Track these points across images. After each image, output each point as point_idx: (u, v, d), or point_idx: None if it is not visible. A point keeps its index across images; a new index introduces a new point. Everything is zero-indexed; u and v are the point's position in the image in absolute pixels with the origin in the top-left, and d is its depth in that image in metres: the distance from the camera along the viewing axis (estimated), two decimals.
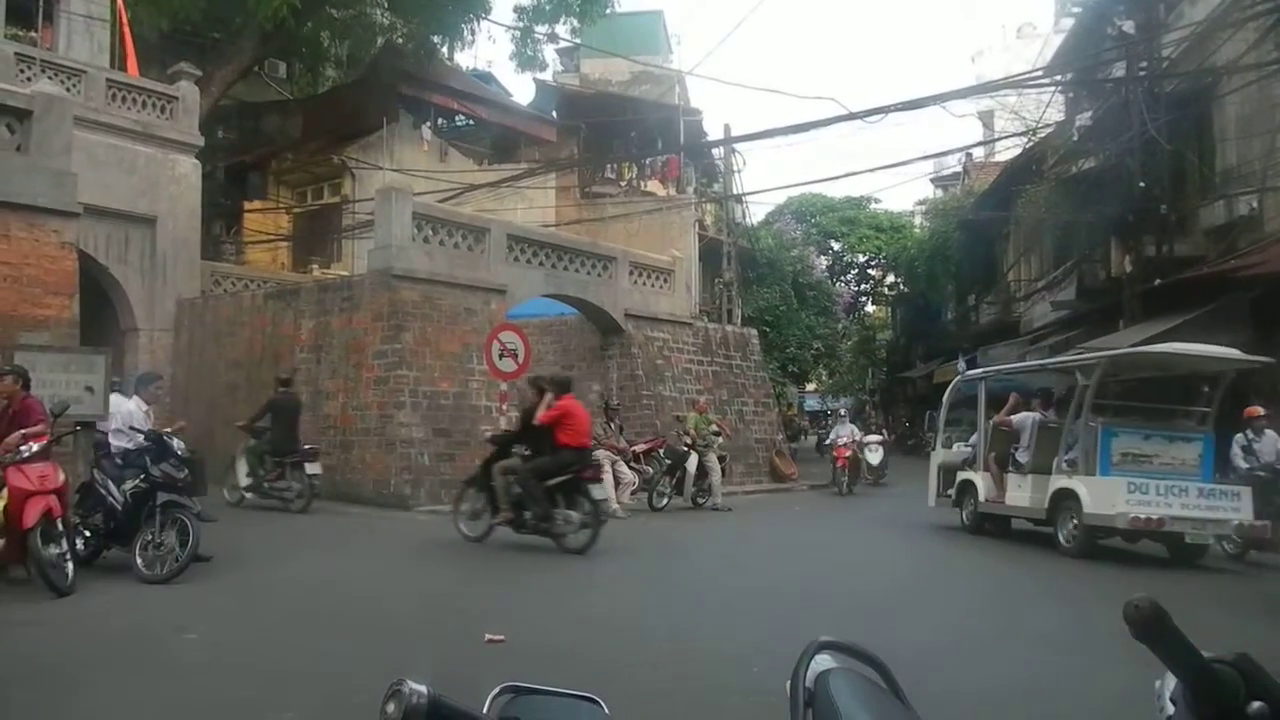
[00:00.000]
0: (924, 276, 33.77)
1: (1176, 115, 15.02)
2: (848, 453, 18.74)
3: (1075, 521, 10.38)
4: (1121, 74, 16.29)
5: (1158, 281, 15.29)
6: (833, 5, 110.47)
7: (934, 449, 14.78)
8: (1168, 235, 15.70)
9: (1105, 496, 10.03)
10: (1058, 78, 19.38)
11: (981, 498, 12.42)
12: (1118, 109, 16.33)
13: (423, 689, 1.01)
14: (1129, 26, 16.19)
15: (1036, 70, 19.27)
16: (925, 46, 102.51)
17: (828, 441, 20.19)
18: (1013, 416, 12.30)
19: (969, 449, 13.56)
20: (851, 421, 21.71)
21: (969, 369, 17.88)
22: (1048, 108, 20.69)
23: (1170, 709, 1.18)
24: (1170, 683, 1.18)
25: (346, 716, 4.26)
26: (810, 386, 49.50)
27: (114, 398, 10.03)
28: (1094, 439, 10.51)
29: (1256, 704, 1.07)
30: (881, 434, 24.04)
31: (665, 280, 19.49)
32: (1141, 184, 15.50)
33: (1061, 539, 10.63)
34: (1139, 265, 15.80)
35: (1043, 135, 21.10)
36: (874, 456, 20.48)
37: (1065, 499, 10.59)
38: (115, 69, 17.43)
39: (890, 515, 15.06)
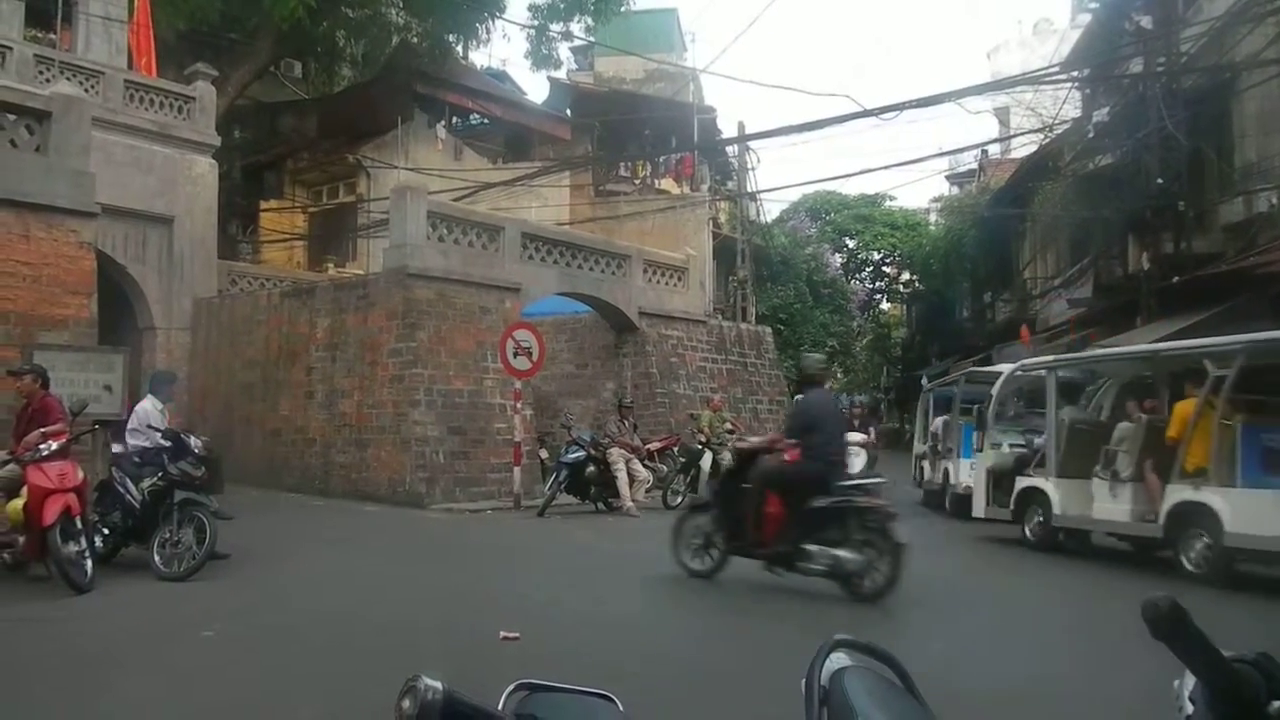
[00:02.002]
0: (939, 274, 33.60)
1: (1195, 111, 14.89)
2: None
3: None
4: (1139, 69, 16.16)
5: (1175, 279, 15.16)
6: (847, 2, 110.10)
7: (958, 453, 13.95)
8: (1186, 232, 15.57)
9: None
10: (1074, 74, 19.24)
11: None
12: (1135, 105, 16.20)
13: (438, 685, 1.01)
14: (1147, 21, 16.07)
15: (1053, 66, 19.13)
16: (941, 43, 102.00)
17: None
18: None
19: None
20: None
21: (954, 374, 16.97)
22: (1064, 104, 20.54)
23: (1189, 709, 1.17)
24: (1189, 682, 1.17)
25: (362, 713, 4.27)
26: (826, 385, 49.34)
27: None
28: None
29: (1277, 704, 1.06)
30: (867, 432, 17.18)
31: (679, 278, 19.47)
32: (1159, 180, 15.37)
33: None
34: (1156, 262, 15.67)
35: (1059, 132, 20.95)
36: (854, 465, 12.42)
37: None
38: (129, 69, 17.54)
39: (923, 528, 12.06)
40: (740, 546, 7.74)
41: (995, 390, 12.24)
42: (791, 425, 8.08)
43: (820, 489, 7.38)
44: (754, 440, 8.83)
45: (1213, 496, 8.33)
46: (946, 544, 11.36)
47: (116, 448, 8.85)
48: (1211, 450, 8.50)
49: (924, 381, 22.70)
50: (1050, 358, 12.91)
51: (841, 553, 7.13)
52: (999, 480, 11.51)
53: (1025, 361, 13.18)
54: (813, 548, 7.25)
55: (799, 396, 8.96)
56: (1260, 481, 8.14)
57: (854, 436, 13.09)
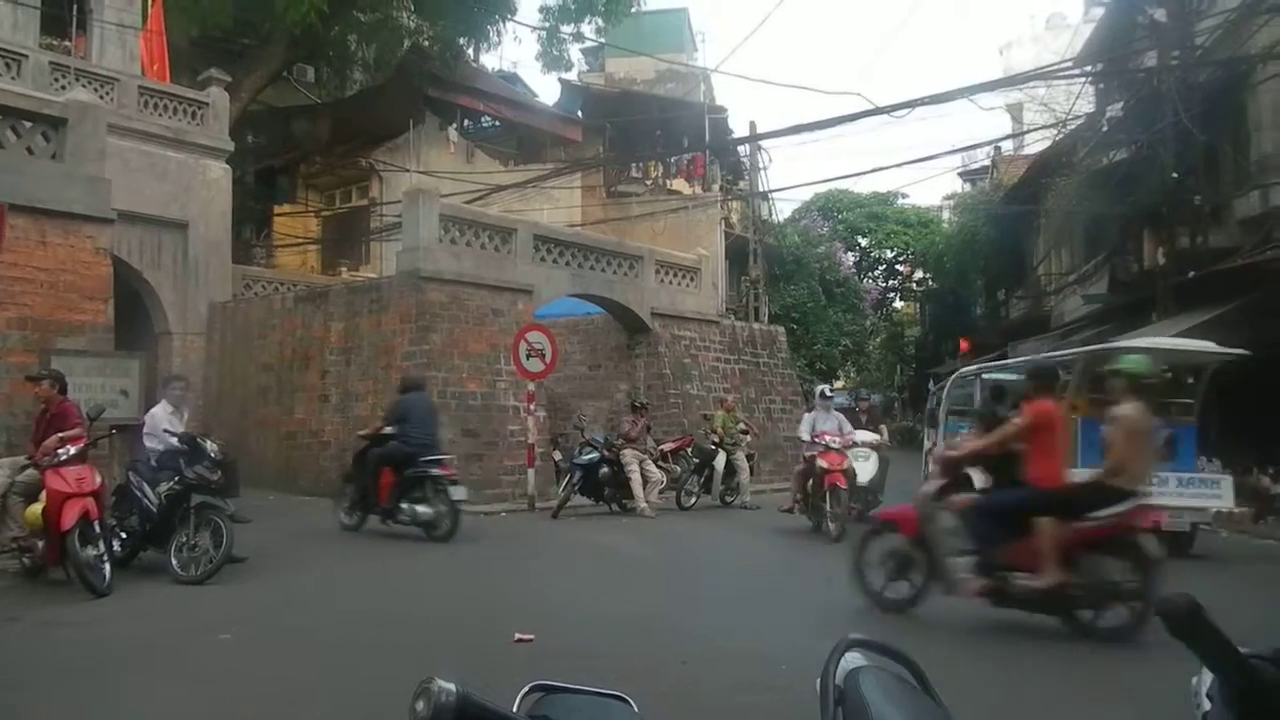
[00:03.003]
0: (953, 272, 33.48)
1: (1210, 105, 14.77)
2: (842, 464, 11.49)
3: None
4: (1153, 63, 16.05)
5: (1191, 274, 15.05)
6: (858, 0, 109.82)
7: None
8: (1201, 226, 15.45)
9: None
10: (1088, 68, 19.14)
11: None
12: (1149, 99, 16.09)
13: (451, 687, 1.02)
14: (1160, 15, 15.94)
15: (1066, 61, 19.06)
16: (953, 39, 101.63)
17: (805, 439, 12.04)
18: None
19: None
20: (845, 409, 14.21)
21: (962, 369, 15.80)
22: (1078, 99, 20.43)
23: (1207, 705, 1.16)
24: (1207, 679, 1.17)
25: (378, 715, 4.29)
26: (838, 384, 49.25)
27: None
28: (1074, 432, 9.75)
29: None
30: (878, 432, 14.03)
31: (692, 279, 19.46)
32: (1174, 175, 15.25)
33: None
34: (1172, 257, 15.55)
35: (1073, 127, 20.83)
36: (864, 471, 12.42)
37: None
38: (142, 75, 17.66)
39: None
40: (368, 506, 10.60)
41: (944, 394, 13.71)
42: (388, 417, 10.87)
43: (409, 463, 10.23)
44: (368, 430, 11.27)
45: None
46: None
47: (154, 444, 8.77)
48: (1070, 438, 9.42)
49: (930, 385, 22.73)
50: (976, 366, 15.17)
51: (420, 509, 10.17)
52: None
53: (963, 369, 14.80)
54: (404, 506, 10.22)
55: (400, 396, 11.18)
56: (1096, 464, 8.52)
57: (863, 435, 12.94)
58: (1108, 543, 6.22)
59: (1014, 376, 12.85)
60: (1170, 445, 10.25)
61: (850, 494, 11.49)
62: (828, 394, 13.16)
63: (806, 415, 13.04)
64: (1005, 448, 6.62)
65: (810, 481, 11.68)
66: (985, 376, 13.80)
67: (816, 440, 11.78)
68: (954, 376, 14.06)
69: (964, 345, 23.22)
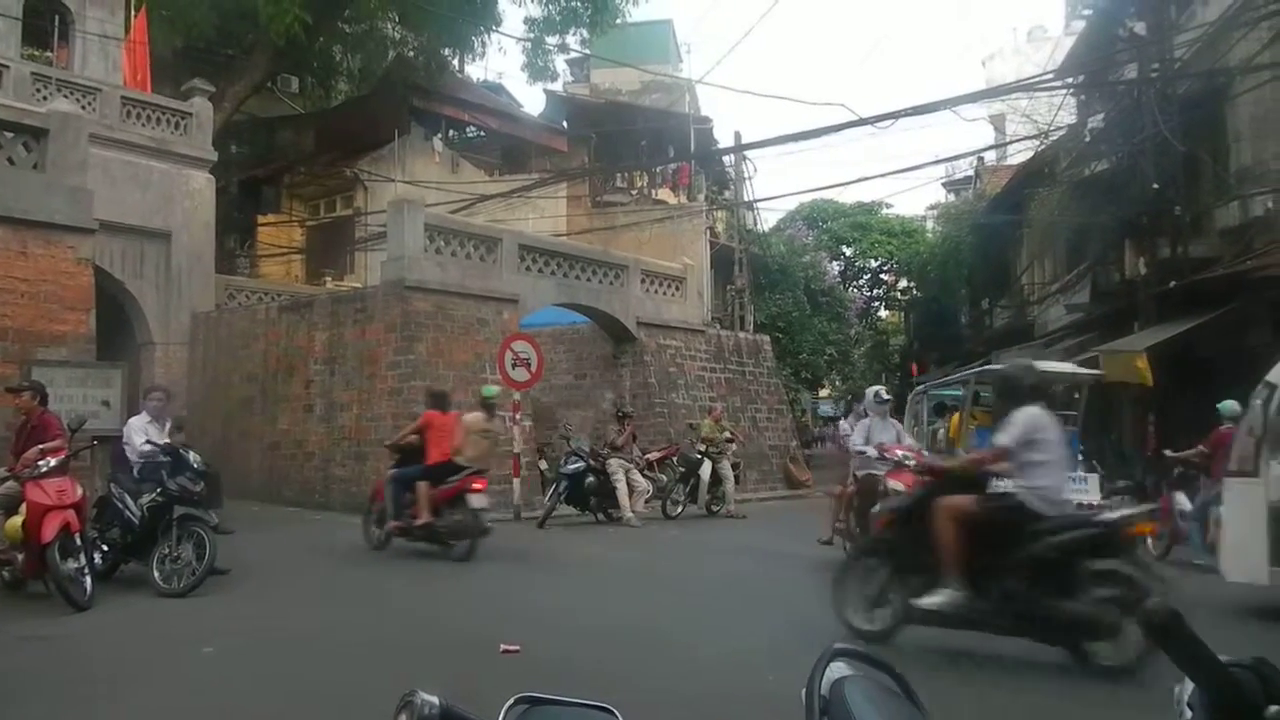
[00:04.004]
0: (937, 281, 33.61)
1: (1190, 116, 14.92)
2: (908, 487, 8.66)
3: None
4: (1133, 75, 16.20)
5: (1173, 283, 15.17)
6: (842, 12, 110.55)
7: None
8: (1182, 237, 15.57)
9: None
10: (1069, 80, 19.29)
11: None
12: (1130, 111, 16.23)
13: (434, 700, 1.01)
14: (1140, 28, 16.11)
15: (1048, 73, 19.20)
16: (936, 51, 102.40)
17: (859, 448, 10.05)
18: None
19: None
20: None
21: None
22: (1059, 111, 20.59)
23: (1188, 714, 1.17)
24: (1188, 688, 1.17)
25: None
26: (824, 392, 49.34)
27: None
28: (969, 440, 11.61)
29: (1274, 708, 1.06)
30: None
31: (677, 288, 19.50)
32: (1155, 185, 15.39)
33: None
34: (1153, 267, 15.68)
35: (1055, 138, 21.00)
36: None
37: None
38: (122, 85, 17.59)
39: None
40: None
41: (907, 407, 14.54)
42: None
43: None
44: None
45: None
46: None
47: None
48: (966, 447, 11.06)
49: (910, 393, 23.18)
50: (924, 385, 16.30)
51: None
52: None
53: (921, 388, 15.91)
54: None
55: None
56: None
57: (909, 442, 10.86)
58: (454, 497, 9.86)
59: (958, 392, 14.78)
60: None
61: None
62: (884, 397, 10.52)
63: (857, 423, 10.95)
64: (408, 440, 10.60)
65: (873, 509, 8.70)
66: (930, 393, 15.63)
67: (886, 455, 9.24)
68: (911, 394, 15.76)
69: (914, 370, 25.49)
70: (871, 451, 9.43)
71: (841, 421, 11.75)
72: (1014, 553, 5.62)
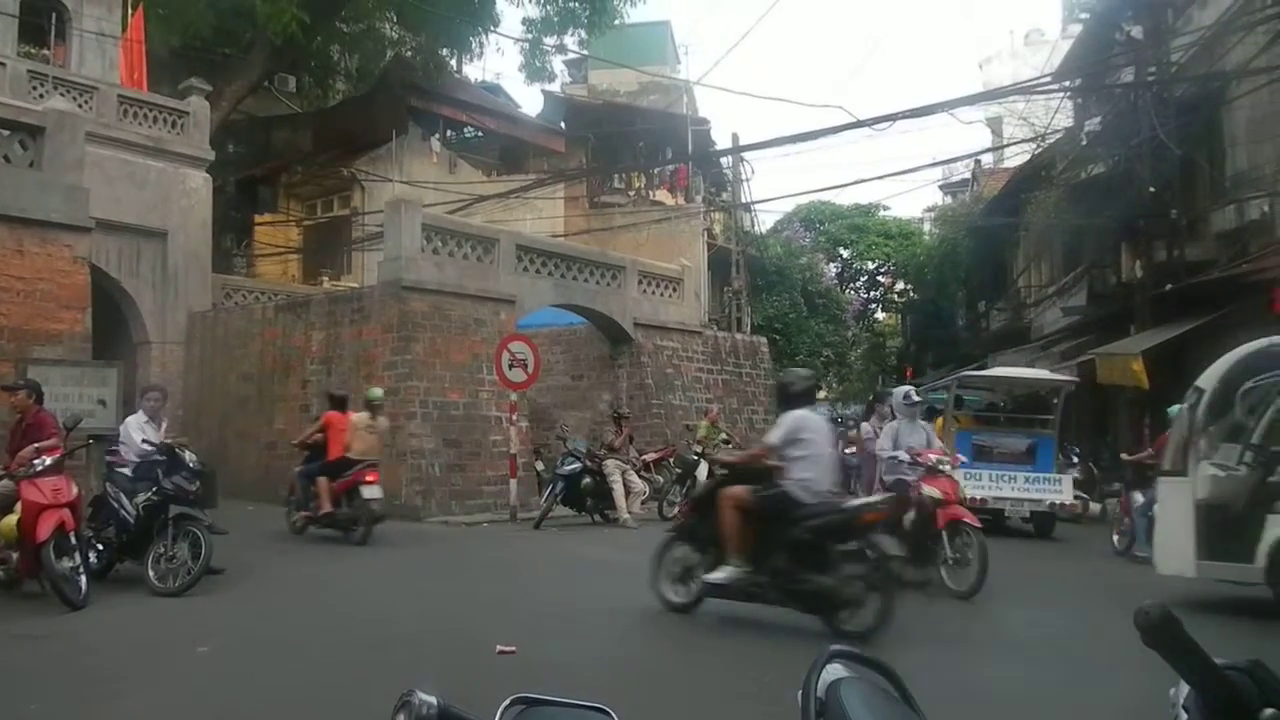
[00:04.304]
0: (934, 283, 33.68)
1: (1186, 119, 14.95)
2: (959, 493, 8.95)
3: None
4: (1130, 79, 16.24)
5: (1169, 286, 15.21)
6: (839, 14, 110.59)
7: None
8: (1178, 240, 15.62)
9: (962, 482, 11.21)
10: (1066, 83, 19.33)
11: None
12: (1126, 114, 16.27)
13: (432, 700, 1.01)
14: (1137, 31, 16.14)
15: (1045, 76, 19.23)
16: (933, 54, 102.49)
17: (889, 453, 9.15)
18: None
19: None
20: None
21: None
22: (1056, 114, 20.63)
23: (1183, 717, 1.17)
24: (1183, 690, 1.18)
25: None
26: (820, 394, 49.32)
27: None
28: (953, 440, 12.72)
29: (1269, 711, 1.06)
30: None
31: (674, 289, 19.50)
32: (1151, 189, 15.43)
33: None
34: (1150, 270, 15.71)
35: (1051, 141, 21.04)
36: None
37: None
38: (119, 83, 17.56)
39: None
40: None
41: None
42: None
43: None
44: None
45: None
46: None
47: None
48: (950, 446, 11.29)
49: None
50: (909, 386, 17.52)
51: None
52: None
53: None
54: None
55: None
56: (967, 465, 12.11)
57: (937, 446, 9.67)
58: (353, 486, 10.96)
59: (943, 395, 15.39)
60: (1031, 452, 13.62)
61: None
62: (914, 398, 9.55)
63: (885, 426, 10.05)
64: (314, 439, 11.79)
65: (905, 517, 8.52)
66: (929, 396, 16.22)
67: (918, 460, 8.74)
68: (870, 397, 16.79)
69: (908, 374, 26.74)
70: (904, 456, 8.90)
71: (863, 424, 11.53)
72: (780, 536, 6.49)
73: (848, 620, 6.24)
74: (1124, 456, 12.59)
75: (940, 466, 8.60)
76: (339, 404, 11.95)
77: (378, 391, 12.17)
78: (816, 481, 6.63)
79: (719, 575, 6.65)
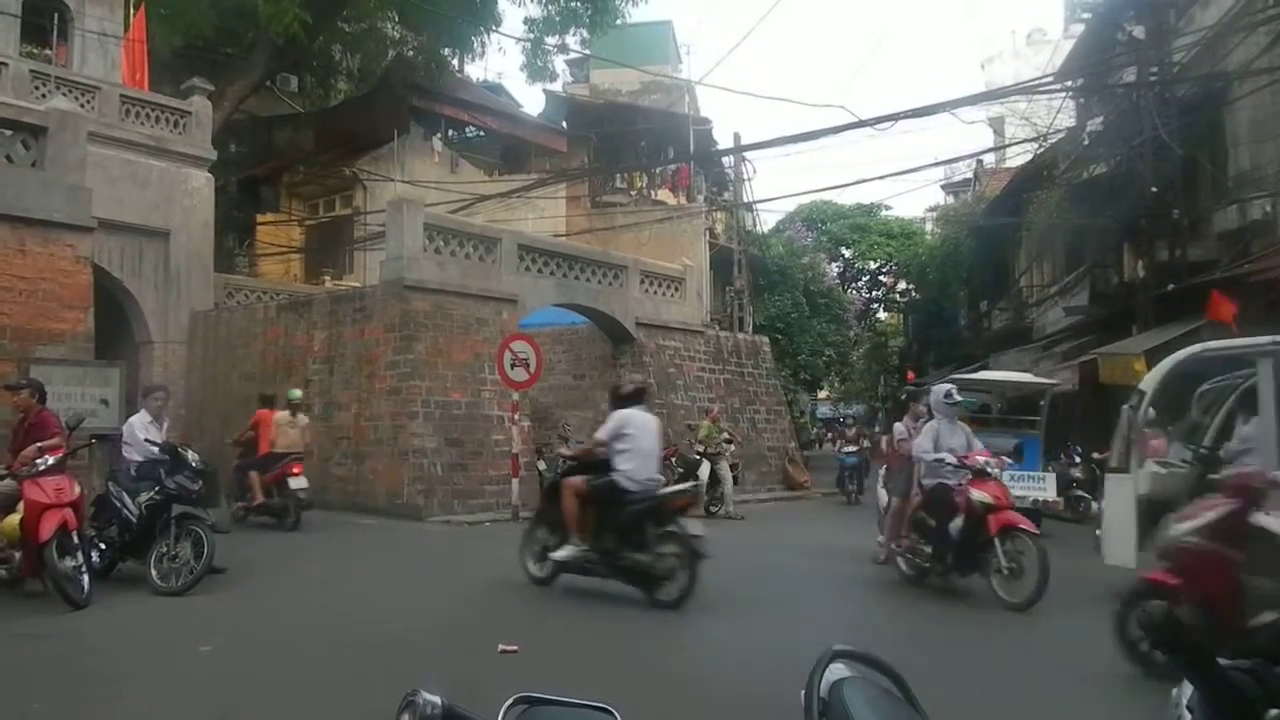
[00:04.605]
0: (935, 283, 33.66)
1: (1188, 119, 14.94)
2: (1010, 498, 8.33)
3: None
4: (1132, 79, 16.23)
5: (1171, 286, 15.20)
6: (842, 14, 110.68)
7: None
8: (1181, 240, 15.60)
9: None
10: (1068, 83, 19.31)
11: None
12: (1128, 114, 16.26)
13: (436, 699, 1.02)
14: (1139, 32, 16.13)
15: (1047, 76, 19.23)
16: (935, 54, 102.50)
17: (933, 455, 8.49)
18: None
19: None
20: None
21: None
22: (1058, 113, 20.62)
23: (1187, 717, 1.17)
24: (1187, 690, 1.18)
25: None
26: (822, 394, 49.35)
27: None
28: None
29: (1274, 711, 1.06)
30: (859, 444, 20.25)
31: (676, 289, 19.50)
32: (1154, 189, 15.42)
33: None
34: (1152, 270, 15.70)
35: (1053, 141, 21.03)
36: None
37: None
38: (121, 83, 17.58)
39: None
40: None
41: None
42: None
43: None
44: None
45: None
46: None
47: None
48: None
49: (902, 397, 23.61)
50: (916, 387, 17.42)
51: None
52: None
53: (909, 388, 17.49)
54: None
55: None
56: None
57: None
58: (281, 478, 12.05)
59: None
60: (1019, 451, 13.01)
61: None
62: (955, 397, 8.84)
63: (924, 426, 9.04)
64: (248, 436, 13.04)
65: (952, 524, 8.07)
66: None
67: (964, 462, 8.21)
68: (905, 397, 16.78)
69: (909, 376, 27.83)
70: (951, 459, 8.27)
71: (897, 424, 10.65)
72: (609, 519, 7.53)
73: (662, 592, 7.31)
74: (1095, 455, 13.16)
75: (988, 469, 8.13)
76: (269, 403, 13.24)
77: (296, 392, 13.35)
78: (638, 471, 7.56)
79: (561, 553, 7.77)
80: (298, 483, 12.10)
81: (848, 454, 19.52)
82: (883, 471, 11.10)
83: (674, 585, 7.26)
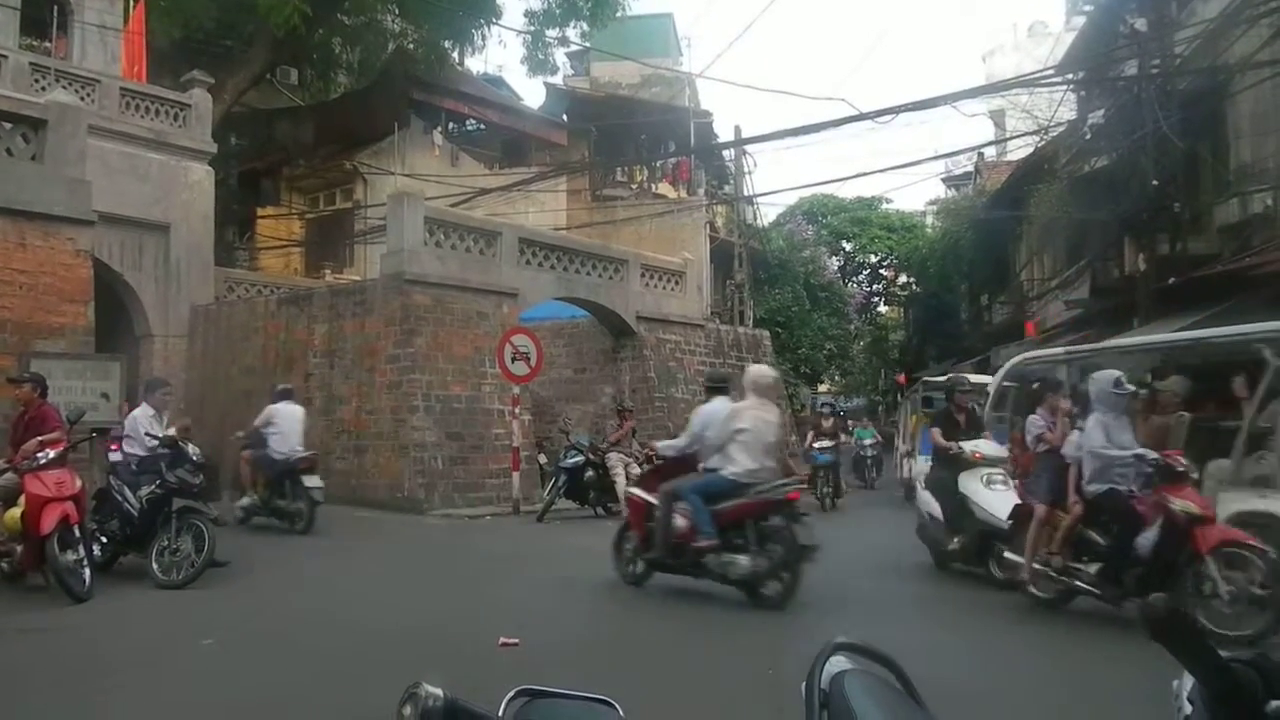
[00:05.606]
0: (936, 277, 33.64)
1: (1189, 113, 14.90)
2: (1204, 509, 6.49)
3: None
4: (1133, 72, 16.18)
5: (1172, 280, 15.17)
6: (843, 6, 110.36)
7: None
8: (1181, 233, 15.58)
9: (921, 468, 14.18)
10: (1069, 76, 19.27)
11: None
12: (1130, 107, 16.21)
13: (439, 692, 1.02)
14: (1141, 24, 16.09)
15: (1048, 69, 19.16)
16: (936, 46, 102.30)
17: (1108, 451, 6.77)
18: None
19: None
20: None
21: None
22: (1059, 106, 20.58)
23: (1188, 709, 1.17)
24: (1188, 683, 1.18)
25: None
26: (823, 388, 49.34)
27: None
28: (920, 435, 16.02)
29: (1275, 703, 1.06)
30: (837, 438, 17.57)
31: (677, 282, 19.49)
32: (1155, 182, 15.38)
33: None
34: (1152, 263, 15.67)
35: (1054, 134, 20.99)
36: (1001, 503, 8.59)
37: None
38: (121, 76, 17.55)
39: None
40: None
41: (909, 402, 17.43)
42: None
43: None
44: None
45: (909, 461, 16.86)
46: None
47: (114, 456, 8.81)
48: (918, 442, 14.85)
49: (901, 393, 23.77)
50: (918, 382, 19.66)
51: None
52: None
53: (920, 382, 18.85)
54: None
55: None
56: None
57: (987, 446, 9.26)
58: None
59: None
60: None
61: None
62: (1125, 386, 7.05)
63: (1090, 419, 7.00)
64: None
65: (1140, 538, 6.52)
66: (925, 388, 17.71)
67: (1167, 460, 6.59)
68: (911, 389, 17.89)
69: (901, 379, 28.26)
70: (1151, 454, 6.65)
71: (1032, 417, 8.43)
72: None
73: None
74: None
75: (1179, 469, 6.53)
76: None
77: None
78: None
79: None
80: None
81: (821, 450, 16.65)
82: (921, 467, 11.19)
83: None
